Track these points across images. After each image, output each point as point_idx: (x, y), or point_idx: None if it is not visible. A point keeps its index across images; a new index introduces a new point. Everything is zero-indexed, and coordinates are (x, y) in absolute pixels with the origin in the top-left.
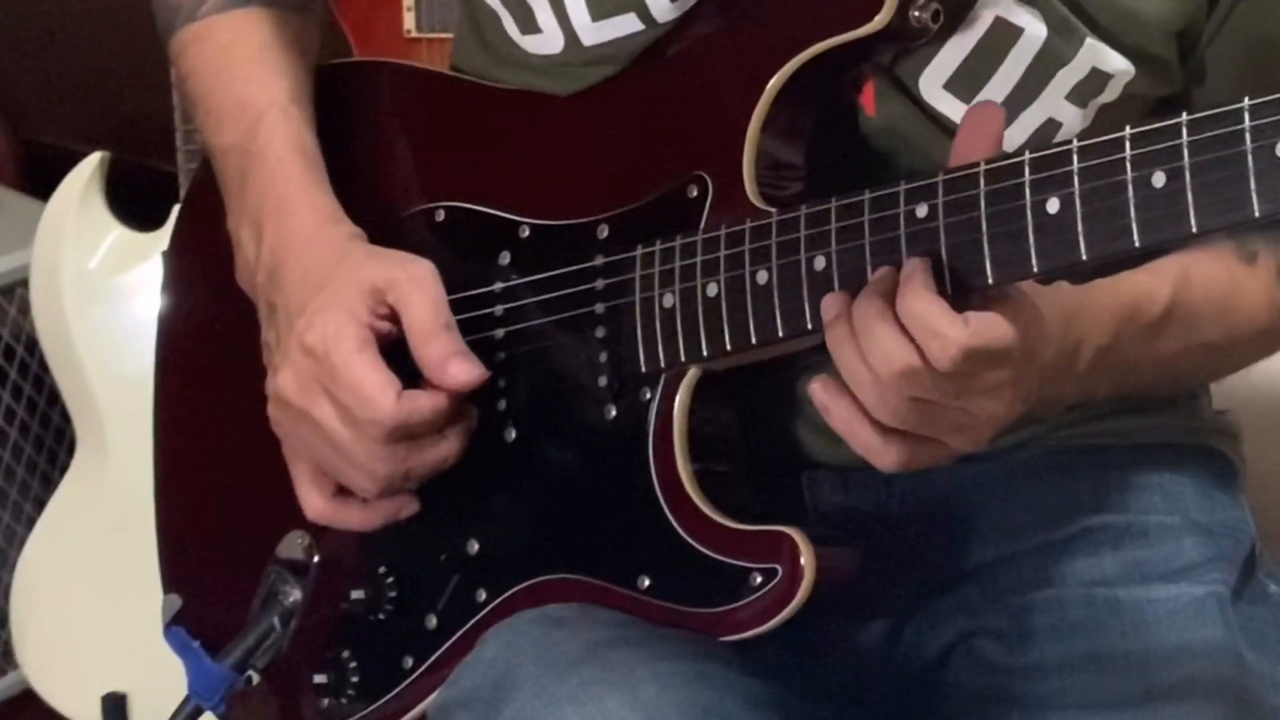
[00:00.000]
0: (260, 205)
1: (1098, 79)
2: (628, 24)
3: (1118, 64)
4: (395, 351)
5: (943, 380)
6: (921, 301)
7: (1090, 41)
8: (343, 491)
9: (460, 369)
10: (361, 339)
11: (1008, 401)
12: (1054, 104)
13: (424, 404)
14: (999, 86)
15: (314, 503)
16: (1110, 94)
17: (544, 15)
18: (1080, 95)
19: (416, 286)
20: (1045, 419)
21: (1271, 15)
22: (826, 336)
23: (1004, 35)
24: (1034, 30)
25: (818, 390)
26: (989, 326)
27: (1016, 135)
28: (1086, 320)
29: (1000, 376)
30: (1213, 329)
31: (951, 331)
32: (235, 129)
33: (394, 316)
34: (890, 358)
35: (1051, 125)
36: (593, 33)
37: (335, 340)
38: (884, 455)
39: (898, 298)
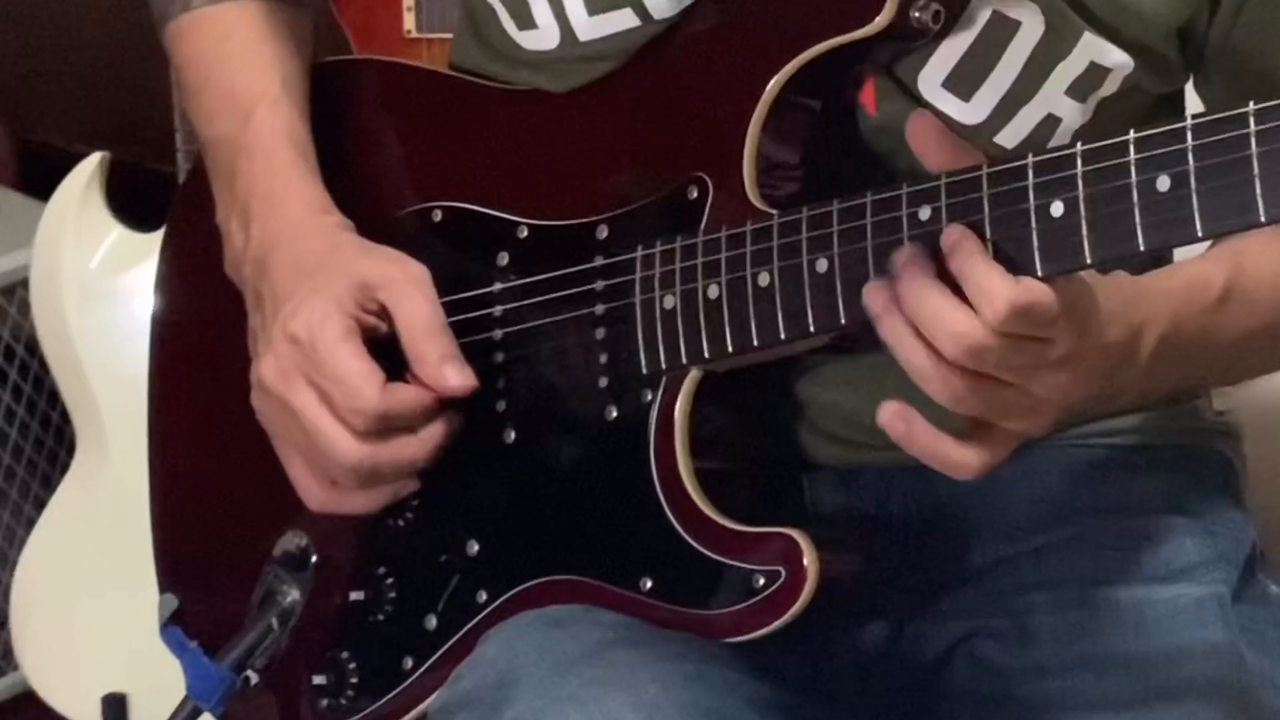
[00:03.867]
0: (249, 197)
1: (1096, 73)
2: (624, 20)
3: (1117, 58)
4: (376, 349)
5: (1004, 351)
6: (971, 260)
7: (1088, 36)
8: None
9: (455, 373)
10: (347, 328)
11: (1069, 379)
12: (1053, 99)
13: (407, 397)
14: (997, 83)
15: (313, 491)
16: (1109, 88)
17: (540, 10)
18: (1079, 90)
19: (414, 285)
20: (1114, 409)
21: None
22: (881, 329)
23: (1001, 30)
24: (1031, 24)
25: (891, 419)
26: (1038, 288)
27: (1016, 132)
28: (1145, 306)
29: (1059, 351)
30: (1270, 311)
31: (1000, 286)
32: (227, 121)
33: (381, 313)
34: (953, 325)
35: (1051, 121)
36: (589, 28)
37: (320, 328)
38: (967, 463)
39: (950, 259)
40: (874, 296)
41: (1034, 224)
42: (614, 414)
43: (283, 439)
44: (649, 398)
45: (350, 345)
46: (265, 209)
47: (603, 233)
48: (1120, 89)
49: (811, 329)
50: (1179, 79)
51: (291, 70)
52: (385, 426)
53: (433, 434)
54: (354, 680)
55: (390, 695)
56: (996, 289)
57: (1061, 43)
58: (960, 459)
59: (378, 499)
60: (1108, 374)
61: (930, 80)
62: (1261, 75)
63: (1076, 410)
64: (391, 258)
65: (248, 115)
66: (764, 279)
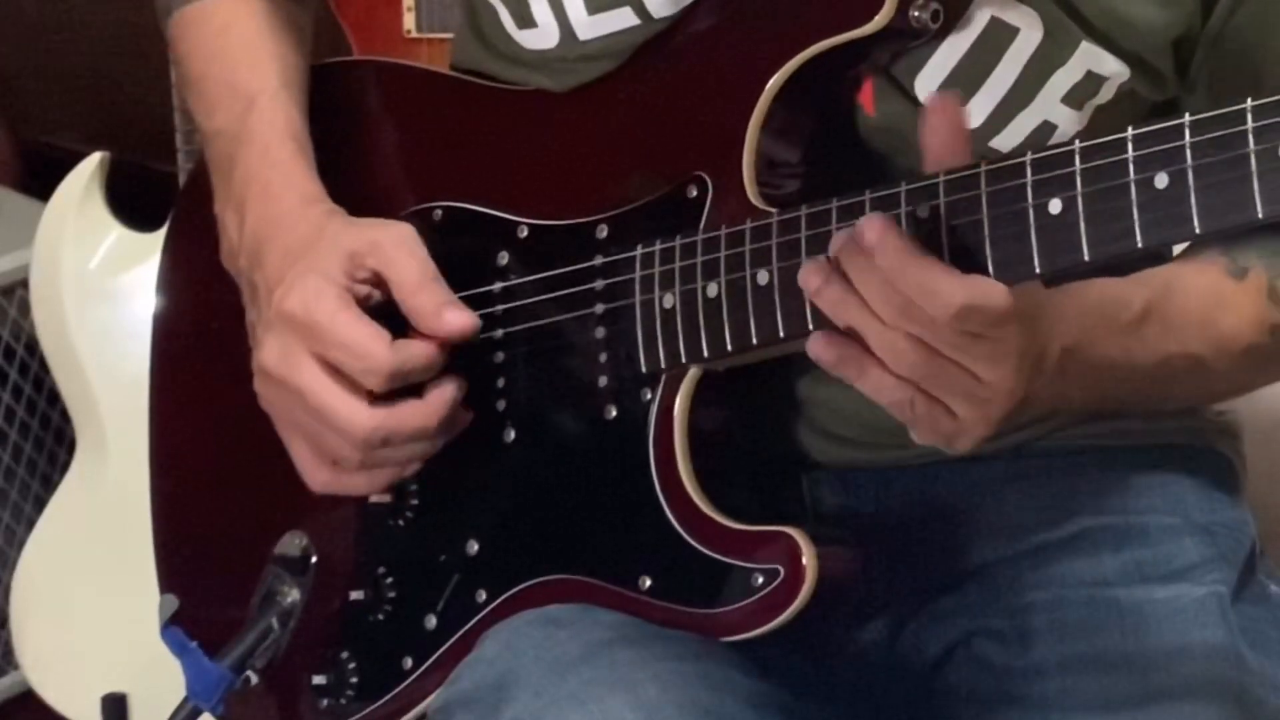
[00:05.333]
0: (245, 189)
1: (1092, 82)
2: (623, 18)
3: (1113, 67)
4: (373, 315)
5: (942, 330)
6: (915, 266)
7: (1085, 44)
8: None
9: (456, 315)
10: (342, 298)
11: (1014, 370)
12: (1049, 106)
13: (418, 350)
14: (994, 89)
15: (316, 474)
16: (1105, 95)
17: (540, 9)
18: (1075, 97)
19: (399, 245)
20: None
21: (1269, 25)
22: (821, 302)
23: (999, 36)
24: (1029, 31)
25: (819, 345)
26: (987, 287)
27: (1011, 139)
28: (1051, 316)
29: (1005, 343)
30: (1196, 341)
31: (948, 288)
32: (227, 114)
33: (374, 280)
34: (889, 298)
35: (1046, 128)
36: (588, 27)
37: (316, 302)
38: (891, 392)
39: (895, 271)
40: (812, 276)
41: (1032, 221)
42: (613, 413)
43: (285, 422)
44: (648, 397)
45: (349, 311)
46: (260, 200)
47: (602, 232)
48: (1115, 96)
49: (810, 327)
50: (1173, 89)
51: (292, 64)
52: (400, 384)
53: (437, 400)
54: (354, 680)
55: (390, 695)
56: (944, 288)
57: (1059, 50)
58: (885, 384)
59: (380, 479)
60: (1027, 378)
61: (928, 83)
62: (1248, 82)
63: (1006, 419)
64: (374, 224)
65: (247, 108)
66: (763, 278)
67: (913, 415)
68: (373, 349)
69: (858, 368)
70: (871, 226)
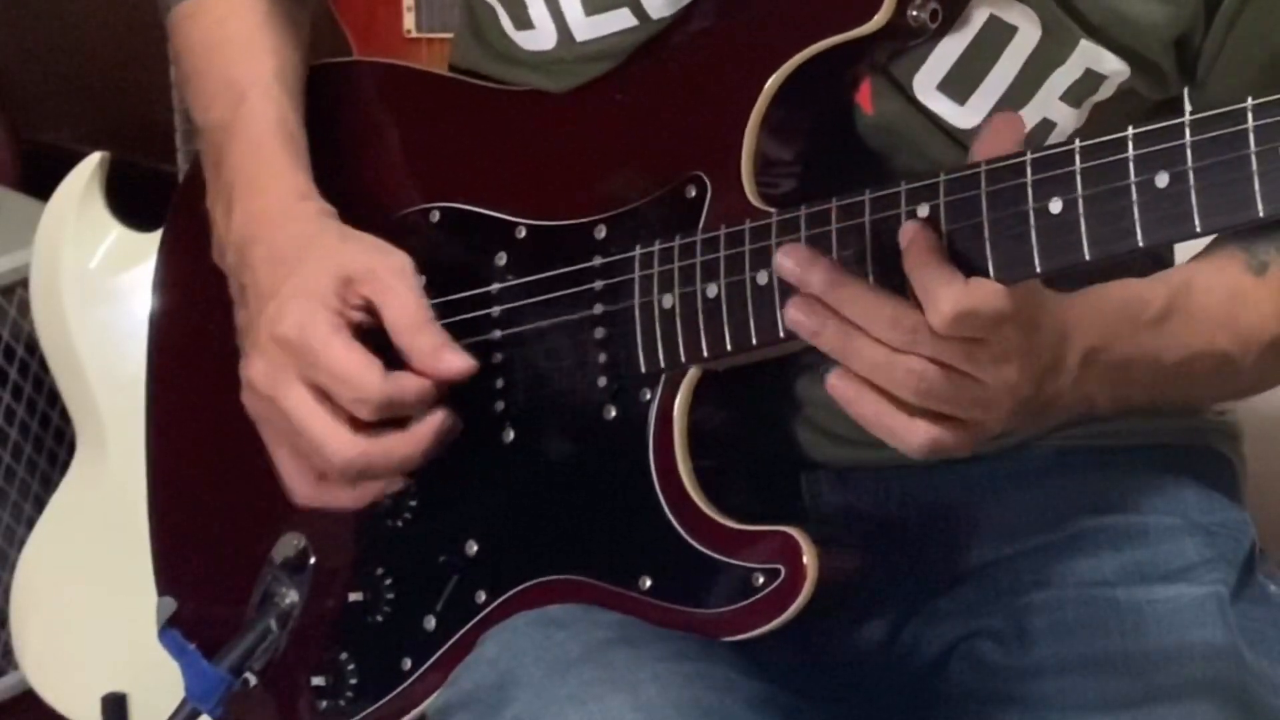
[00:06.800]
0: (233, 182)
1: (1092, 80)
2: (621, 19)
3: (1112, 65)
4: (364, 341)
5: (948, 343)
6: (922, 264)
7: (1084, 43)
8: None
9: (454, 358)
10: (335, 324)
11: (1018, 370)
12: (1048, 105)
13: (411, 384)
14: (992, 87)
15: (300, 486)
16: (1104, 93)
17: (537, 10)
18: (1074, 95)
19: (396, 277)
20: (1045, 426)
21: (1277, 25)
22: (822, 342)
23: (997, 34)
24: (1028, 29)
25: (837, 384)
26: (984, 292)
27: None
28: (1072, 313)
29: (1006, 343)
30: (1221, 336)
31: (946, 292)
32: (220, 107)
33: (366, 307)
34: (898, 321)
35: (1046, 126)
36: (586, 28)
37: (310, 326)
38: (913, 436)
39: (904, 258)
40: (803, 319)
41: (1033, 221)
42: (613, 413)
43: (272, 435)
44: (648, 397)
45: (342, 339)
46: (247, 195)
47: (601, 233)
48: (1115, 94)
49: None
50: (1174, 87)
51: (287, 59)
52: (390, 414)
53: (423, 432)
54: (353, 681)
55: (389, 696)
56: (942, 294)
57: (1058, 49)
58: (904, 428)
59: (365, 494)
60: (1038, 379)
61: (926, 82)
62: (1254, 82)
63: (1013, 421)
64: (372, 248)
65: (240, 102)
66: (762, 278)
67: (933, 445)
68: (365, 378)
69: (875, 412)
70: (794, 256)
